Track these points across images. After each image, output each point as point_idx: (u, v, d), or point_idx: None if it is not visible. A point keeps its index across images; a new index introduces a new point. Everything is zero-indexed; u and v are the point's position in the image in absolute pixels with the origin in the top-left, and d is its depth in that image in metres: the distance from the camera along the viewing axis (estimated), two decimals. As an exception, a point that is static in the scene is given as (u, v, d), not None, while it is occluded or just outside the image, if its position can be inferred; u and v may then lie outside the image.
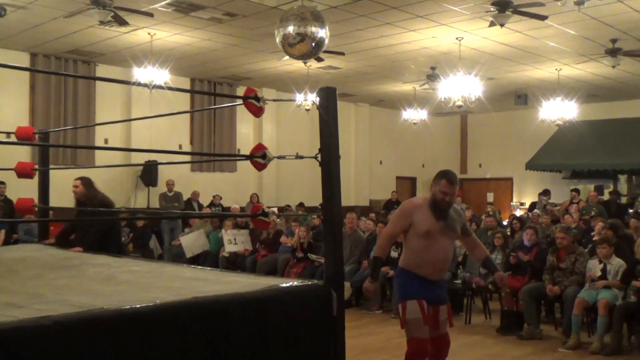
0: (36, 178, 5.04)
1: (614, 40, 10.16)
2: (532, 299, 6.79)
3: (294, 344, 3.03)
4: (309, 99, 12.11)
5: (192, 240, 10.67)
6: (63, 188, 9.41)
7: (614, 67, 10.91)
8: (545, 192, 14.92)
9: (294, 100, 12.68)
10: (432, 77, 12.39)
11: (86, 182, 5.70)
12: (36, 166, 4.94)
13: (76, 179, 5.73)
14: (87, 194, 5.66)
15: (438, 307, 4.06)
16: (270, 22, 8.43)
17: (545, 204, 13.59)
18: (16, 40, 10.51)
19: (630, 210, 12.96)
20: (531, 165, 16.68)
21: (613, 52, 10.38)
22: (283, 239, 9.81)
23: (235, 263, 9.79)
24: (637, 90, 14.61)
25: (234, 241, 10.03)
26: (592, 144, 15.73)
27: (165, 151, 7.37)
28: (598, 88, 14.40)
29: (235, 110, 14.16)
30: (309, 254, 8.94)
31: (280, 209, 13.51)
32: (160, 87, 9.10)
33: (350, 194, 16.91)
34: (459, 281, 7.91)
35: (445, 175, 3.97)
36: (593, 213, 11.02)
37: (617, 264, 6.47)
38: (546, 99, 13.22)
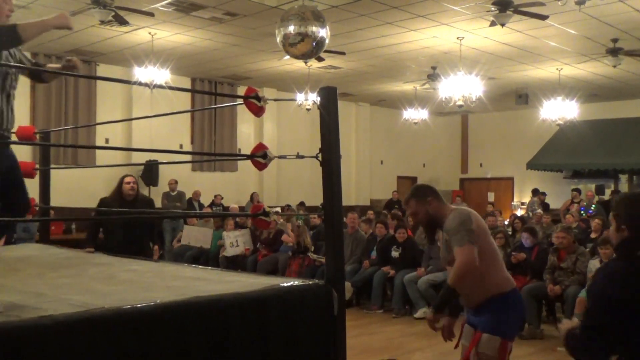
0: (37, 178, 5.03)
1: (614, 40, 10.16)
2: (533, 298, 6.80)
3: (295, 344, 3.03)
4: (309, 99, 12.11)
5: (196, 232, 10.67)
6: (64, 188, 9.44)
7: (615, 66, 10.91)
8: (535, 192, 14.90)
9: (295, 100, 12.69)
10: (432, 76, 12.39)
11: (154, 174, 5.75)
12: (37, 166, 4.94)
13: (129, 176, 5.70)
14: (137, 191, 5.70)
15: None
16: (271, 22, 8.43)
17: (533, 209, 13.52)
18: (17, 39, 10.51)
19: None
20: (532, 165, 16.67)
21: (614, 52, 10.38)
22: (284, 237, 9.80)
23: (236, 263, 9.80)
24: (638, 90, 14.60)
25: (236, 243, 10.02)
26: (593, 143, 15.73)
27: (166, 151, 7.39)
28: (599, 88, 14.39)
29: (235, 109, 14.17)
30: (309, 254, 8.96)
31: (282, 209, 13.51)
32: (161, 86, 9.10)
33: (351, 194, 16.91)
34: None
35: None
36: (591, 211, 11.06)
37: (618, 263, 6.46)
38: (547, 98, 13.22)
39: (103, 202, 5.74)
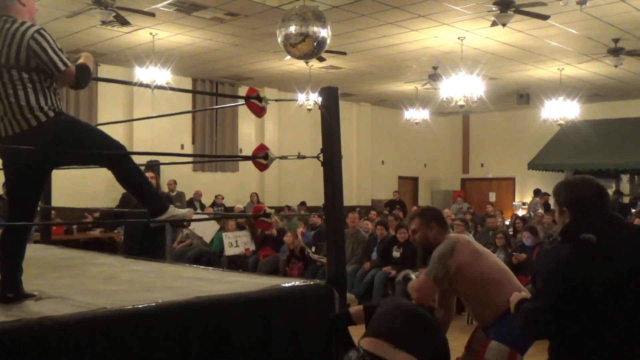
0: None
1: (616, 40, 10.14)
2: (534, 298, 6.78)
3: (296, 344, 3.03)
4: (310, 99, 12.11)
5: (202, 223, 10.70)
6: (65, 188, 9.43)
7: (616, 66, 10.89)
8: (538, 193, 14.87)
9: (296, 100, 12.68)
10: (434, 76, 12.38)
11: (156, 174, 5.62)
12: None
13: (148, 172, 5.54)
14: (158, 187, 5.59)
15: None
16: (272, 22, 8.43)
17: (536, 209, 13.50)
18: (18, 40, 10.52)
19: (633, 210, 12.94)
20: (533, 165, 16.66)
21: (615, 52, 10.36)
22: (287, 238, 9.78)
23: (237, 263, 9.79)
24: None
25: (235, 243, 10.00)
26: (594, 143, 15.71)
27: (166, 154, 7.42)
28: (600, 88, 14.38)
29: (237, 109, 14.16)
30: (310, 254, 8.94)
31: (278, 210, 13.47)
32: (162, 87, 9.09)
33: (352, 194, 16.90)
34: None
35: None
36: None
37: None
38: (548, 98, 13.21)
39: (127, 197, 5.60)
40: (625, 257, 2.33)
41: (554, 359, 2.47)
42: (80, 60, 2.82)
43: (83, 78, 2.76)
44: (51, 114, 2.72)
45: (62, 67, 2.67)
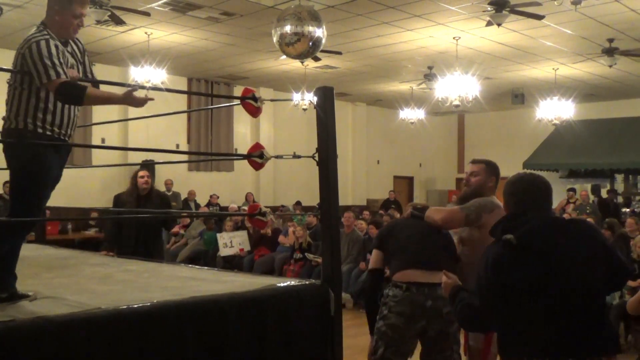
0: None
1: (610, 40, 10.17)
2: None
3: (292, 344, 3.03)
4: (306, 99, 12.10)
5: (194, 225, 10.76)
6: (60, 187, 9.39)
7: (610, 66, 10.92)
8: None
9: (292, 100, 12.67)
10: (429, 76, 12.40)
11: (150, 173, 5.51)
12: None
13: (143, 170, 5.47)
14: (152, 186, 5.49)
15: None
16: (268, 22, 8.42)
17: None
18: (13, 39, 10.47)
19: (627, 210, 12.98)
20: (528, 165, 16.66)
21: (610, 52, 10.39)
22: (281, 238, 9.79)
23: (232, 263, 9.78)
24: (634, 89, 14.63)
25: (230, 244, 9.99)
26: (589, 143, 15.74)
27: (162, 150, 7.37)
28: (595, 87, 14.42)
29: (232, 109, 14.14)
30: (306, 254, 8.94)
31: (274, 210, 13.48)
32: (157, 89, 9.04)
33: (348, 194, 16.91)
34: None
35: None
36: (588, 211, 11.08)
37: (613, 263, 6.46)
38: (543, 98, 13.24)
39: (119, 198, 5.58)
40: (553, 255, 2.34)
41: (501, 352, 2.52)
42: (88, 86, 2.81)
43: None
44: (21, 124, 2.73)
45: (44, 80, 2.64)
